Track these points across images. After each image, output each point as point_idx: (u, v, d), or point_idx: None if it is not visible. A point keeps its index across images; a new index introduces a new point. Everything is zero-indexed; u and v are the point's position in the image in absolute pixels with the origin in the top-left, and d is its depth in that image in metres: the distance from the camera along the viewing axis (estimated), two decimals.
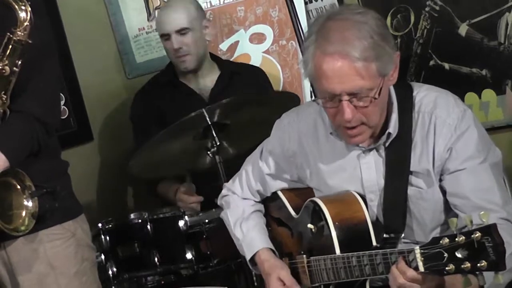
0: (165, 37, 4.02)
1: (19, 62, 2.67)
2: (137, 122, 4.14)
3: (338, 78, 2.39)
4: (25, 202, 2.73)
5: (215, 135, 3.40)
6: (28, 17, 2.64)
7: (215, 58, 4.16)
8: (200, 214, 3.60)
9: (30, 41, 2.66)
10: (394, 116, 2.53)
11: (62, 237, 2.89)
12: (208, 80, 4.08)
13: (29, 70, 2.73)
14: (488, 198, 2.44)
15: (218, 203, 3.04)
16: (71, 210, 2.94)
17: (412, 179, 2.53)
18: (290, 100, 3.49)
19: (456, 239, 2.05)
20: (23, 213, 2.73)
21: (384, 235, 2.54)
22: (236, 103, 3.47)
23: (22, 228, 2.73)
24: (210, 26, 4.07)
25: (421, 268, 2.15)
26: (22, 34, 2.64)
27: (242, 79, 4.05)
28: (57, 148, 2.98)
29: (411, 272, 2.23)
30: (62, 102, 4.19)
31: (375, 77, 2.40)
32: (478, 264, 2.02)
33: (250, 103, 3.57)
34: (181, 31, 3.98)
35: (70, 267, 2.89)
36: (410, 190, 2.53)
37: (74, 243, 2.91)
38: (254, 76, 4.10)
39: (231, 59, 4.28)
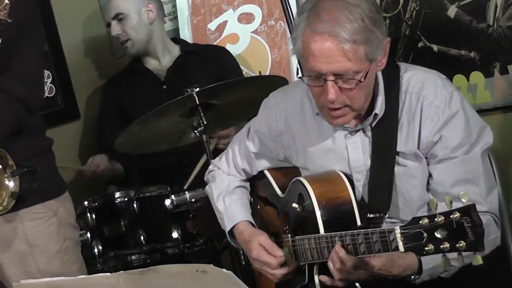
0: (108, 26, 4.14)
1: None
2: (101, 118, 4.25)
3: (325, 58, 2.39)
4: (6, 182, 2.71)
5: (202, 114, 3.40)
6: None
7: (177, 41, 4.22)
8: (187, 193, 3.60)
9: (10, 20, 2.63)
10: (381, 97, 2.54)
11: (43, 216, 2.88)
12: (167, 60, 4.15)
13: (11, 49, 2.70)
14: (472, 190, 2.44)
15: (205, 178, 3.05)
16: (54, 189, 2.93)
17: (399, 159, 2.54)
18: (277, 80, 3.49)
19: (436, 219, 2.05)
20: (3, 193, 2.72)
21: (369, 215, 2.54)
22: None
23: (1, 208, 2.72)
24: (154, 9, 4.11)
25: (401, 248, 2.17)
26: (2, 13, 2.62)
27: (199, 58, 4.10)
28: (40, 126, 2.96)
29: (351, 259, 2.33)
30: (49, 80, 4.19)
31: (362, 61, 2.40)
32: (457, 245, 2.02)
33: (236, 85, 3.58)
34: (118, 17, 4.07)
35: (51, 246, 2.89)
36: (398, 169, 2.54)
37: (55, 222, 2.90)
38: (213, 54, 4.13)
39: (219, 39, 4.29)
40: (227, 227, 2.85)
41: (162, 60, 4.14)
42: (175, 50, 4.17)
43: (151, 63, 4.15)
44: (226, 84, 3.48)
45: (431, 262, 2.36)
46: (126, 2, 4.08)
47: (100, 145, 4.14)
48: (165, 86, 4.07)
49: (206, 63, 4.06)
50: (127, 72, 4.22)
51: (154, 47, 4.12)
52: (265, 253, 2.70)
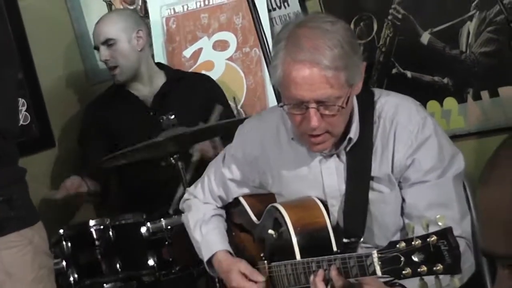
0: (96, 49, 4.11)
1: None
2: (83, 136, 4.22)
3: (307, 85, 2.39)
4: None
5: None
6: None
7: (162, 66, 4.19)
8: (163, 220, 3.59)
9: None
10: (355, 122, 2.55)
11: (19, 245, 2.86)
12: (153, 87, 4.11)
13: None
14: (446, 214, 2.44)
15: (180, 207, 3.04)
16: (28, 218, 2.91)
17: (374, 184, 2.54)
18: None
19: (413, 242, 2.05)
20: None
21: (344, 240, 2.54)
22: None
23: None
24: (144, 36, 4.10)
25: (379, 273, 2.16)
26: None
27: (186, 85, 4.07)
28: (14, 154, 2.95)
29: (342, 280, 2.30)
30: (24, 109, 4.16)
31: (343, 86, 2.41)
32: (434, 268, 2.02)
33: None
34: (107, 42, 4.03)
35: (27, 274, 2.87)
36: (372, 194, 2.54)
37: (31, 250, 2.88)
38: (199, 81, 4.12)
39: (194, 66, 4.29)
40: (205, 257, 2.83)
41: (149, 86, 4.11)
42: (161, 76, 4.13)
43: (137, 89, 4.11)
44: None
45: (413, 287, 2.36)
46: (117, 28, 4.04)
47: (85, 164, 4.11)
48: (152, 113, 4.05)
49: (193, 90, 4.04)
50: (110, 96, 4.17)
51: (141, 73, 4.08)
52: (246, 280, 2.69)
